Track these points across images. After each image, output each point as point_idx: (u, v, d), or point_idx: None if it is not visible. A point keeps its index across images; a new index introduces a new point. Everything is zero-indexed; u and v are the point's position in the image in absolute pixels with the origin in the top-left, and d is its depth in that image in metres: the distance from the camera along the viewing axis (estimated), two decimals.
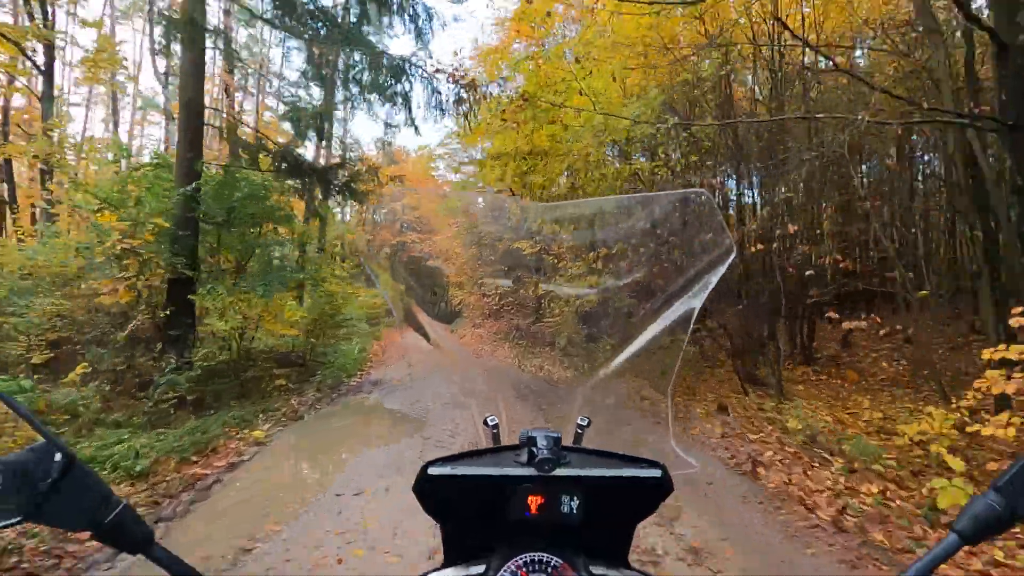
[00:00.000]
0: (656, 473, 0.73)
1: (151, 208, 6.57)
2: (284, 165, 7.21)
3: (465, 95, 6.89)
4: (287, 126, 9.18)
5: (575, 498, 0.70)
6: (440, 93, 7.24)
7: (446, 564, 0.74)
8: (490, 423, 0.94)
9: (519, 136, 7.04)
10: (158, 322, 6.58)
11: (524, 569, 0.69)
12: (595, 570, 0.70)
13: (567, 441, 0.82)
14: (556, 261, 12.18)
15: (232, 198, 6.98)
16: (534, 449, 0.72)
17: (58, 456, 0.51)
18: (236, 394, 6.79)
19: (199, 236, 6.90)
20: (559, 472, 0.71)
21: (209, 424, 5.19)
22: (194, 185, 6.44)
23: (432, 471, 0.71)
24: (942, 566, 0.49)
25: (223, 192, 6.94)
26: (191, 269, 6.53)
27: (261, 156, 7.69)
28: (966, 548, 0.50)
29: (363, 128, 73.77)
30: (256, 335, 7.76)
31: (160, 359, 6.23)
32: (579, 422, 0.95)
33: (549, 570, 0.69)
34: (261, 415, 5.99)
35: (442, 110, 7.28)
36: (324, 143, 10.08)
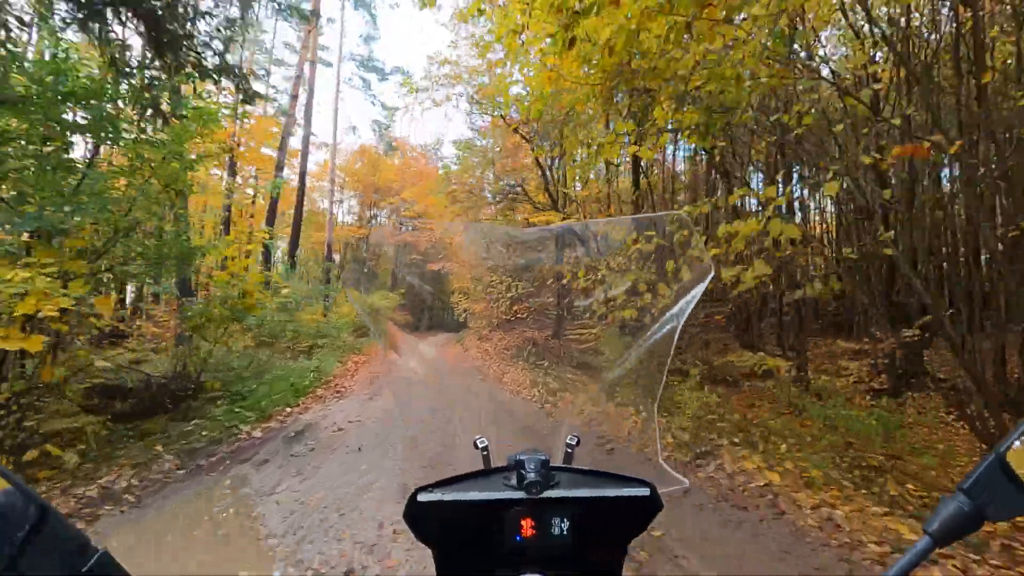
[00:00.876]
0: (644, 492, 0.74)
1: None
2: None
3: None
4: None
5: (565, 519, 0.71)
6: None
7: None
8: (479, 445, 0.93)
9: None
10: None
11: None
12: None
13: (558, 461, 0.85)
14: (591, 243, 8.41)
15: None
16: (523, 472, 0.72)
17: (28, 505, 0.46)
18: None
19: None
20: (548, 494, 0.72)
21: None
22: None
23: (421, 497, 0.71)
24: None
25: None
26: None
27: None
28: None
29: (357, 109, 68.44)
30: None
31: None
32: (568, 441, 0.93)
33: None
34: None
35: None
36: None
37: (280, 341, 12.60)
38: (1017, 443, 0.47)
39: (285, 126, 14.67)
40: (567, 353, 11.68)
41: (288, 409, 6.60)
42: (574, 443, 0.92)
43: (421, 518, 0.72)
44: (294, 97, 14.50)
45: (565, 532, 0.71)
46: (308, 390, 7.87)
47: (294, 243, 15.45)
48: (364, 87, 24.75)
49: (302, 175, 16.00)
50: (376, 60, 25.02)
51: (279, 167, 14.20)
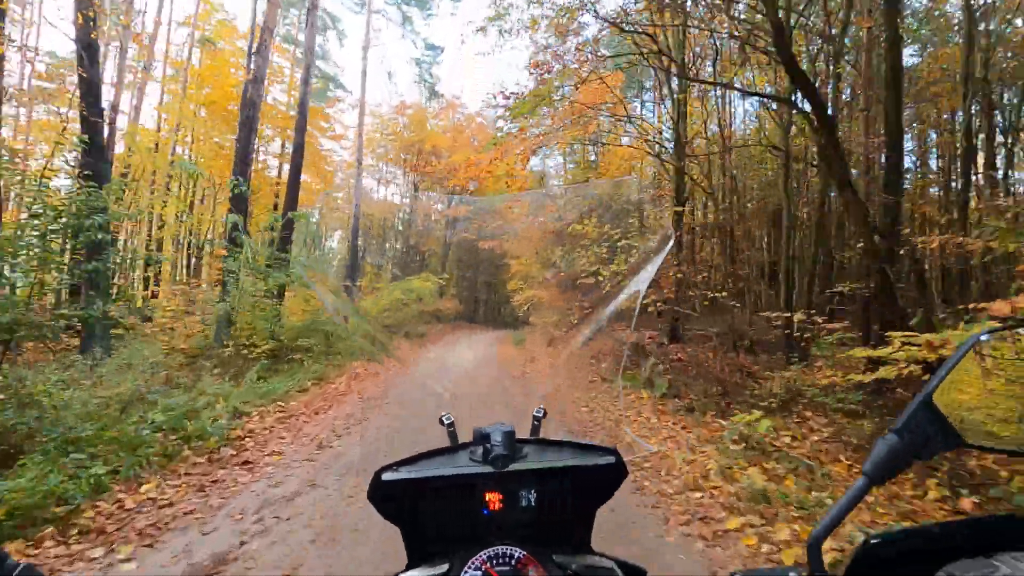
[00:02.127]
0: (610, 459, 0.74)
1: None
2: None
3: None
4: None
5: (532, 491, 0.72)
6: None
7: (410, 566, 0.72)
8: (445, 421, 0.89)
9: None
10: None
11: (488, 564, 0.68)
12: (558, 557, 0.69)
13: (523, 433, 0.81)
14: None
15: None
16: (488, 445, 0.72)
17: None
18: None
19: None
20: (514, 467, 0.71)
21: None
22: None
23: (386, 477, 0.70)
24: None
25: None
26: None
27: None
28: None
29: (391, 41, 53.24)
30: None
31: None
32: (535, 413, 0.91)
33: (513, 562, 0.68)
34: None
35: None
36: None
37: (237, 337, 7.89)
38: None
39: (261, 35, 9.98)
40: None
41: None
42: (540, 415, 0.90)
43: (387, 497, 0.71)
44: None
45: (533, 503, 0.71)
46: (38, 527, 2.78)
47: (290, 208, 10.76)
48: (404, 23, 19.86)
49: (302, 106, 11.35)
50: None
51: (257, 81, 9.53)
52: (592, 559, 0.71)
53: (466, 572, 0.66)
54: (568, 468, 0.73)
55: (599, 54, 7.94)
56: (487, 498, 0.71)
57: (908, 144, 12.74)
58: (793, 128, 8.05)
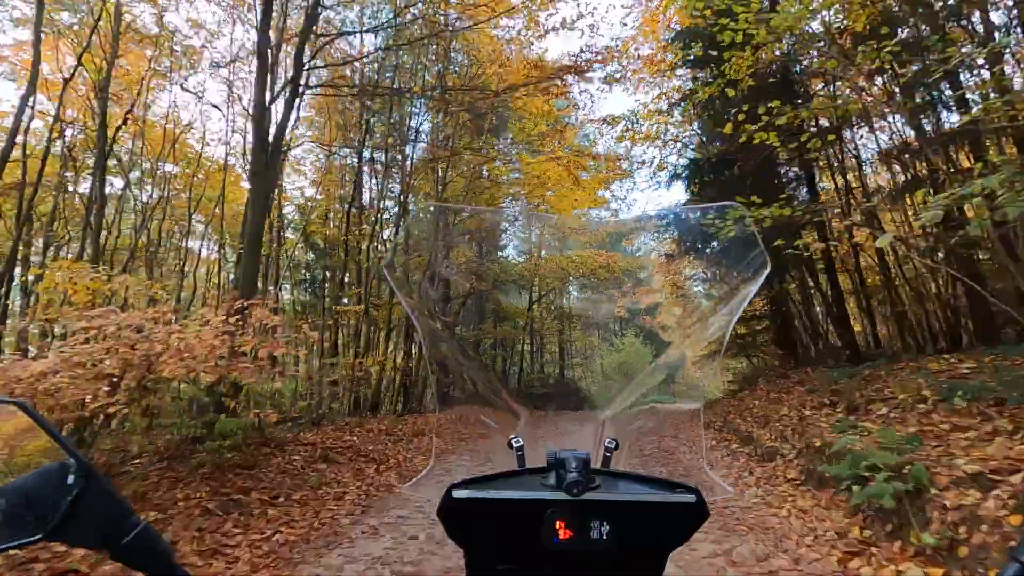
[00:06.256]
0: (691, 498, 0.68)
1: None
2: None
3: None
4: None
5: (605, 523, 0.66)
6: None
7: None
8: (514, 445, 0.87)
9: None
10: None
11: None
12: None
13: (596, 464, 0.79)
14: None
15: None
16: (562, 472, 0.68)
17: (77, 472, 0.47)
18: None
19: None
20: (589, 496, 0.67)
21: None
22: None
23: (456, 494, 0.68)
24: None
25: None
26: None
27: None
28: None
29: None
30: None
31: None
32: (607, 444, 0.86)
33: None
34: None
35: None
36: None
37: None
38: None
39: None
40: None
41: None
42: (612, 447, 0.85)
43: (456, 515, 0.67)
44: None
45: (605, 536, 0.65)
46: None
47: None
48: None
49: None
50: None
51: None
52: None
53: None
54: (647, 504, 0.69)
55: None
56: (556, 526, 0.64)
57: None
58: None
